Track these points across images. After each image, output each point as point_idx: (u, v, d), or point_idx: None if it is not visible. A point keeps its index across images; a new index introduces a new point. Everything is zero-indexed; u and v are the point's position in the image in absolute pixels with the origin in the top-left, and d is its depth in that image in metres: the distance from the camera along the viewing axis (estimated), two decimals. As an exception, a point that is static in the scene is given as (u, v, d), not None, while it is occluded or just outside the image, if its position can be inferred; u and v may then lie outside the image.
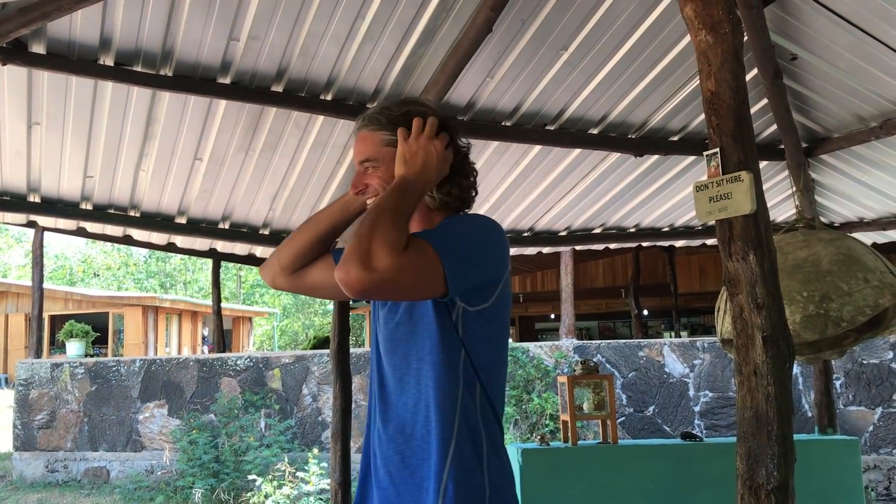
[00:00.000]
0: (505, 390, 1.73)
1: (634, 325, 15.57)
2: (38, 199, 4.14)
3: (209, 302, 28.57)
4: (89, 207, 4.27)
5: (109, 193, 4.21)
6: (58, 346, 21.41)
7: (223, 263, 16.68)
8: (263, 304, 35.72)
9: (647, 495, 4.48)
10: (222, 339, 14.02)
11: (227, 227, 4.69)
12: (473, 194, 1.75)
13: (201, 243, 4.83)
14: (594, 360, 8.73)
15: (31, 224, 11.41)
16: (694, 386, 9.09)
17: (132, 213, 4.39)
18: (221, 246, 4.89)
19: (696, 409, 9.04)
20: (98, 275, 39.41)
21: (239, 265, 32.17)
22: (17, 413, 11.45)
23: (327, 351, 10.81)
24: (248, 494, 7.82)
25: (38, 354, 11.99)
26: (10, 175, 3.90)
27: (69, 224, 4.38)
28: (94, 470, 10.88)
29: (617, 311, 21.15)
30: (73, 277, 37.52)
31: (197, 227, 4.60)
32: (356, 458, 5.68)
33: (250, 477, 7.78)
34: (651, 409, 9.14)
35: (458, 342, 1.63)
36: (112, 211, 4.34)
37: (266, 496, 7.47)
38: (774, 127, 4.35)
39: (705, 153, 2.30)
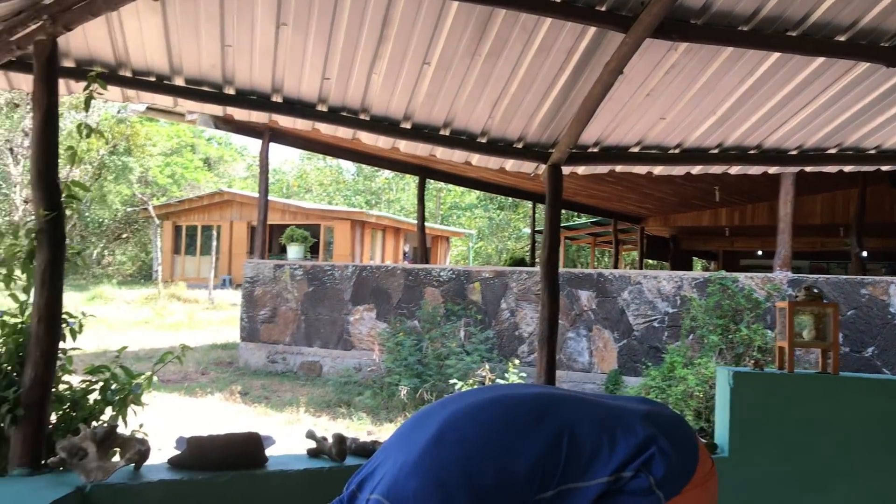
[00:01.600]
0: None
1: (853, 265, 14.45)
2: (280, 100, 4.43)
3: (411, 220, 29.79)
4: (325, 109, 4.52)
5: (343, 96, 4.43)
6: (275, 254, 23.21)
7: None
8: (460, 225, 36.66)
9: (869, 432, 4.23)
10: (425, 253, 14.57)
11: (447, 133, 4.80)
12: None
13: (422, 149, 4.98)
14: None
15: (257, 134, 12.26)
16: (923, 330, 8.36)
17: (362, 117, 4.60)
18: (441, 153, 5.02)
19: (924, 354, 8.33)
20: (310, 190, 42.05)
21: (440, 185, 33.06)
22: (244, 307, 12.65)
23: (526, 269, 10.99)
24: (450, 396, 8.23)
25: (263, 255, 13.07)
26: (258, 75, 4.20)
27: (306, 125, 4.67)
28: (308, 364, 11.85)
29: (832, 250, 19.74)
30: (289, 191, 40.23)
31: (420, 132, 4.74)
32: (559, 374, 5.69)
33: (452, 381, 8.17)
34: (870, 350, 8.53)
35: None
36: (345, 114, 4.57)
37: (466, 399, 7.82)
38: None
39: None
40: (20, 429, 3.38)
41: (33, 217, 3.42)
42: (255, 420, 8.44)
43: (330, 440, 3.92)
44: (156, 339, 14.28)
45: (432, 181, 18.19)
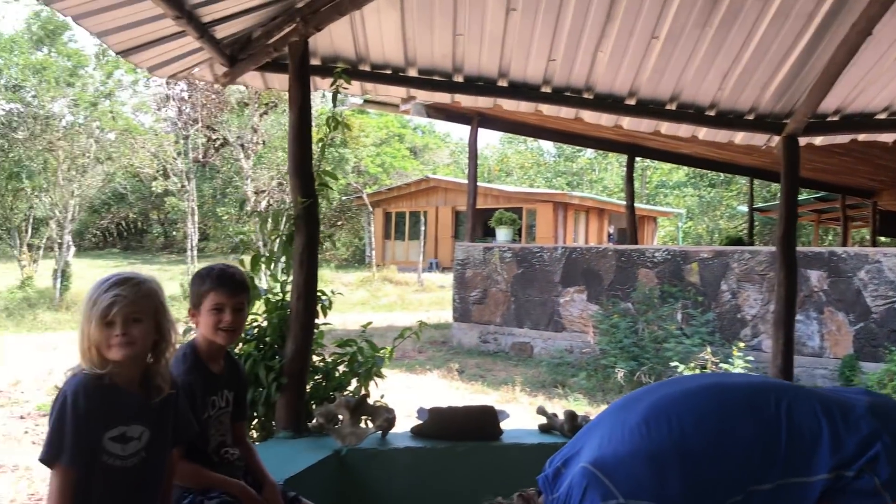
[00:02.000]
0: None
1: None
2: (505, 84, 4.53)
3: (614, 200, 29.24)
4: (549, 91, 4.57)
5: (568, 76, 4.45)
6: (478, 237, 23.66)
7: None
8: (667, 204, 35.49)
9: None
10: (634, 234, 14.28)
11: (673, 108, 4.69)
12: None
13: (647, 125, 4.91)
14: None
15: (465, 120, 12.52)
16: None
17: (586, 96, 4.60)
18: (666, 128, 4.92)
19: None
20: (511, 173, 42.45)
21: (646, 163, 32.20)
22: (456, 289, 13.06)
23: (748, 248, 10.46)
24: (669, 379, 8.06)
25: (473, 238, 13.40)
26: (486, 61, 4.32)
27: (529, 107, 4.74)
28: (519, 344, 12.04)
29: None
30: (491, 175, 40.84)
31: (645, 108, 4.67)
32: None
33: (672, 364, 7.99)
34: None
35: None
36: (568, 94, 4.59)
37: (687, 382, 7.62)
38: None
39: None
40: (284, 396, 3.74)
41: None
42: (472, 397, 8.72)
43: (561, 416, 4.00)
44: (373, 318, 15.09)
45: (639, 159, 17.76)
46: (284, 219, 3.91)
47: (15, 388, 8.85)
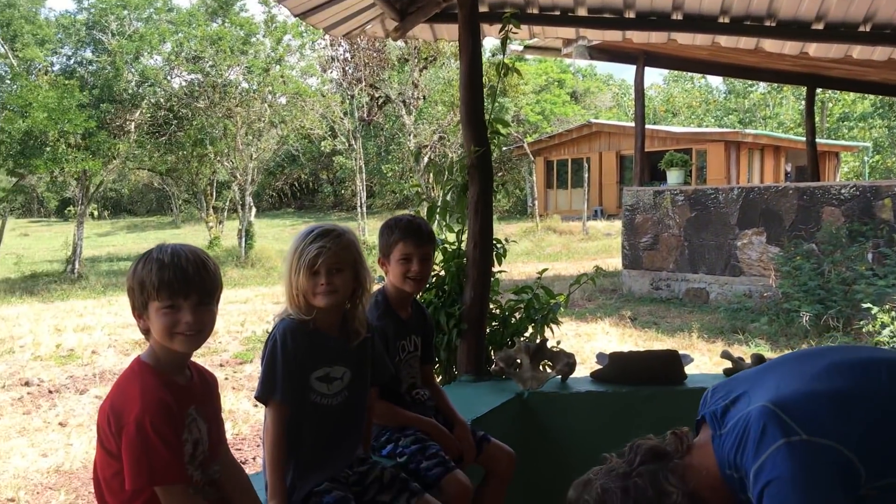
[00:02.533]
0: None
1: None
2: (680, 17, 4.33)
3: (791, 136, 27.44)
4: (726, 21, 4.32)
5: (748, 4, 4.19)
6: (645, 181, 22.97)
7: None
8: (851, 138, 32.89)
9: None
10: (816, 171, 13.39)
11: (867, 29, 4.32)
12: None
13: (836, 50, 4.55)
14: None
15: (630, 59, 12.09)
16: None
17: (768, 24, 4.32)
18: (858, 52, 4.55)
19: None
20: (677, 114, 40.75)
21: (827, 94, 29.92)
22: (625, 235, 12.81)
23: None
24: (861, 323, 7.56)
25: (641, 183, 13.05)
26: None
27: (705, 39, 4.52)
28: (694, 290, 11.67)
29: None
30: (656, 117, 39.38)
31: (835, 32, 4.33)
32: None
33: (864, 306, 7.48)
34: None
35: None
36: (748, 23, 4.33)
37: (882, 325, 7.11)
38: None
39: None
40: (464, 341, 3.84)
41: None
42: (645, 344, 8.57)
43: (748, 360, 3.86)
44: (538, 269, 15.08)
45: (819, 90, 16.52)
46: (458, 168, 3.96)
47: (213, 338, 9.62)
